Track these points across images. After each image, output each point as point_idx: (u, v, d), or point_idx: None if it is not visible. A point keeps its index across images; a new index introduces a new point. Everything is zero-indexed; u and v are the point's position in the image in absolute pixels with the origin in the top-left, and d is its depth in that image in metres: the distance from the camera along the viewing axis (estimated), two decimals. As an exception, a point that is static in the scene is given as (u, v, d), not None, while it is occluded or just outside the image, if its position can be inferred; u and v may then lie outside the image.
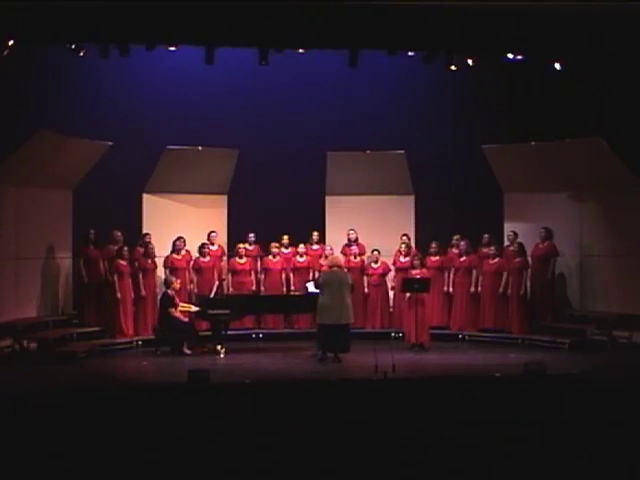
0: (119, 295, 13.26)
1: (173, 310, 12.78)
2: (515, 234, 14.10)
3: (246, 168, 14.67)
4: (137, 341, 13.41)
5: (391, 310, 14.44)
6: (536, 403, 9.19)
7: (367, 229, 14.66)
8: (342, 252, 14.33)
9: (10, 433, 8.16)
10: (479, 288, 13.97)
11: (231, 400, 9.11)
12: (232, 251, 14.41)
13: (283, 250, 14.52)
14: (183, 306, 13.04)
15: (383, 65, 13.79)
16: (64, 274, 13.76)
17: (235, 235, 14.60)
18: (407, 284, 13.12)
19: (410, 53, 12.47)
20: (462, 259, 14.08)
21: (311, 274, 14.24)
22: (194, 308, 13.09)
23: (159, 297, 13.40)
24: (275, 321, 14.43)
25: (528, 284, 13.78)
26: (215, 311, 12.80)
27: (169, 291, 12.92)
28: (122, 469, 7.77)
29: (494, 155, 14.49)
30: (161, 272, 13.86)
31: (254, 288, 14.25)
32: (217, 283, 14.11)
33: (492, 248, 13.94)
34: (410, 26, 11.18)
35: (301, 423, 8.56)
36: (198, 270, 14.02)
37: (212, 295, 13.60)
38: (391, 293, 14.50)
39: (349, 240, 14.56)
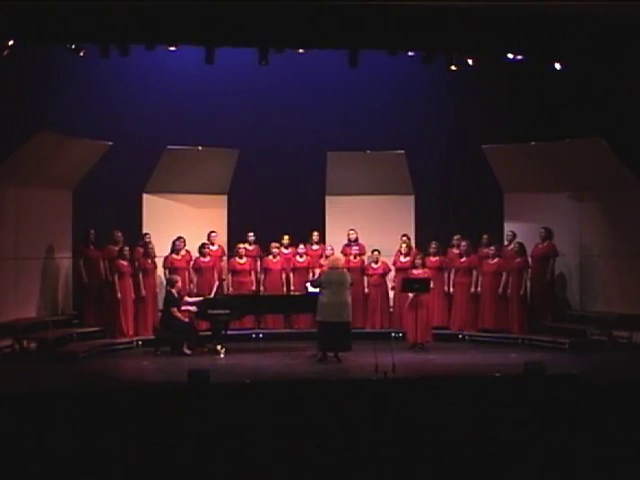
0: (120, 295, 13.28)
1: (175, 310, 12.79)
2: (514, 234, 14.11)
3: (246, 168, 14.66)
4: (137, 341, 13.41)
5: (391, 310, 14.44)
6: (536, 403, 9.19)
7: (367, 229, 14.66)
8: (342, 252, 14.32)
9: (10, 433, 8.16)
10: (479, 288, 13.98)
11: (231, 400, 9.11)
12: (232, 251, 14.41)
13: (283, 250, 14.52)
14: (190, 302, 13.03)
15: (383, 65, 13.77)
16: (64, 274, 13.76)
17: (235, 235, 14.60)
18: (407, 284, 13.13)
19: (410, 53, 12.49)
20: (462, 259, 14.08)
21: (311, 274, 14.23)
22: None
23: (161, 297, 13.44)
24: (275, 321, 14.42)
25: (528, 284, 13.78)
26: (215, 311, 12.81)
27: (172, 290, 12.93)
28: (122, 469, 7.77)
29: (494, 155, 14.49)
30: (161, 272, 13.88)
31: (254, 288, 14.25)
32: (217, 283, 14.11)
33: (492, 248, 13.94)
34: (410, 26, 11.19)
35: (301, 423, 8.56)
36: (198, 270, 14.02)
37: (212, 295, 13.60)
38: (391, 293, 14.50)
39: (349, 240, 14.56)
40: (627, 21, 11.19)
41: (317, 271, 14.04)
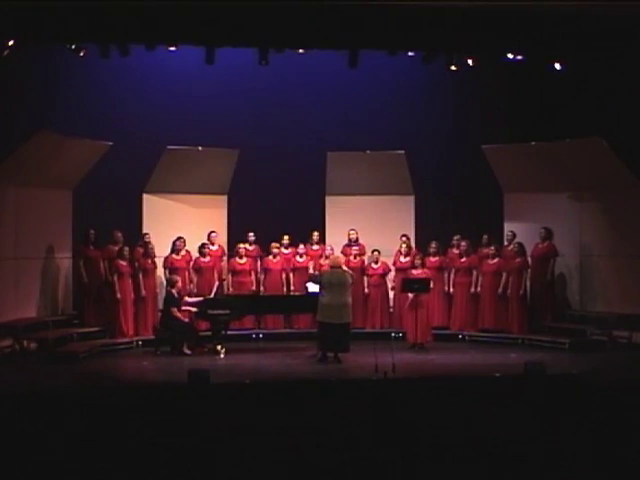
0: (119, 295, 13.28)
1: (175, 310, 12.79)
2: (514, 234, 14.11)
3: (246, 168, 14.66)
4: (137, 341, 13.41)
5: (391, 310, 14.44)
6: (536, 403, 9.19)
7: (367, 229, 14.66)
8: (342, 252, 14.31)
9: (10, 433, 8.16)
10: (479, 288, 13.97)
11: (231, 400, 9.11)
12: (232, 251, 14.41)
13: (283, 250, 14.52)
14: (190, 303, 13.03)
15: (383, 65, 13.77)
16: (64, 274, 13.76)
17: (235, 235, 14.60)
18: (407, 284, 13.13)
19: (410, 53, 12.49)
20: (462, 259, 14.08)
21: (311, 269, 14.21)
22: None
23: (161, 297, 13.45)
24: (275, 321, 14.42)
25: (528, 284, 13.78)
26: (215, 311, 12.81)
27: (173, 290, 12.93)
28: (122, 469, 7.77)
29: (494, 155, 14.49)
30: (161, 272, 13.88)
31: (254, 288, 14.25)
32: (217, 283, 14.11)
33: (492, 248, 13.94)
34: (410, 26, 11.19)
35: (301, 423, 8.56)
36: (198, 270, 14.02)
37: (212, 295, 13.60)
38: (391, 293, 14.50)
39: (350, 240, 14.56)
40: (627, 21, 11.18)
41: (311, 264, 14.12)
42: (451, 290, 14.19)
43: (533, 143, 14.12)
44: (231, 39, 11.34)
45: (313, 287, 12.72)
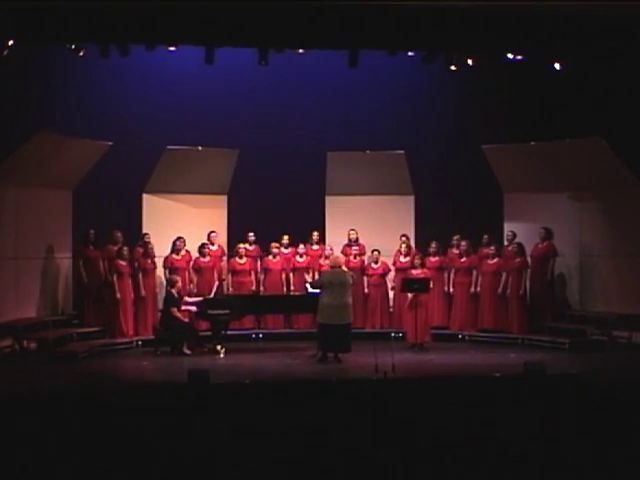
0: (119, 295, 13.28)
1: (175, 310, 12.79)
2: (514, 234, 14.11)
3: (246, 168, 14.66)
4: (137, 341, 13.41)
5: (391, 310, 14.44)
6: (536, 403, 9.19)
7: (367, 229, 14.66)
8: (342, 252, 14.32)
9: (10, 433, 8.16)
10: (479, 288, 13.97)
11: (231, 400, 9.11)
12: (232, 251, 14.41)
13: (283, 250, 14.52)
14: (190, 302, 13.04)
15: (383, 65, 13.77)
16: (64, 274, 13.76)
17: (235, 235, 14.60)
18: (406, 284, 13.13)
19: (410, 53, 12.49)
20: (462, 259, 14.08)
21: (310, 274, 14.24)
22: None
23: (161, 297, 13.45)
24: (275, 321, 14.42)
25: (528, 284, 13.78)
26: (215, 311, 12.81)
27: (172, 290, 12.93)
28: (122, 469, 7.77)
29: (494, 155, 14.49)
30: (161, 272, 13.88)
31: (254, 288, 14.25)
32: (217, 283, 14.12)
33: (492, 248, 13.94)
34: (410, 26, 11.19)
35: (301, 423, 8.56)
36: (198, 270, 14.02)
37: (212, 295, 13.60)
38: (391, 293, 14.51)
39: (350, 240, 14.56)
40: (627, 21, 11.19)
41: (308, 276, 14.11)
42: (451, 290, 14.19)
43: (533, 143, 14.11)
44: (231, 39, 11.33)
45: (310, 288, 12.73)
